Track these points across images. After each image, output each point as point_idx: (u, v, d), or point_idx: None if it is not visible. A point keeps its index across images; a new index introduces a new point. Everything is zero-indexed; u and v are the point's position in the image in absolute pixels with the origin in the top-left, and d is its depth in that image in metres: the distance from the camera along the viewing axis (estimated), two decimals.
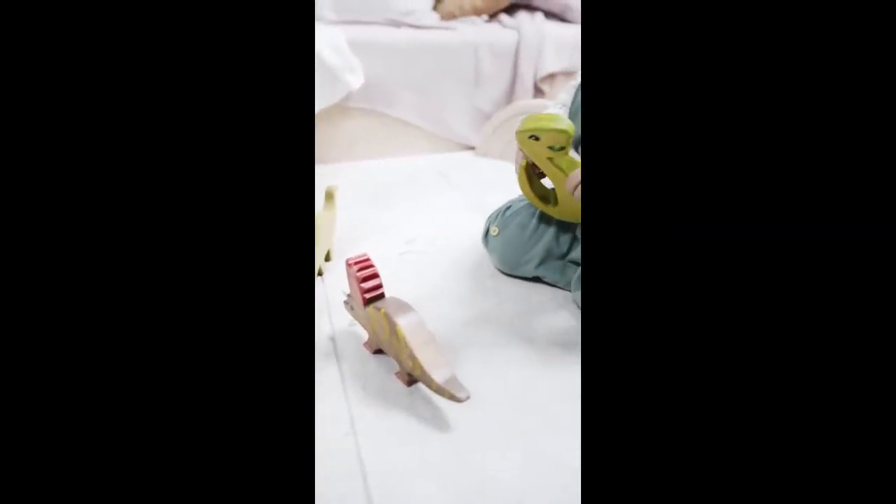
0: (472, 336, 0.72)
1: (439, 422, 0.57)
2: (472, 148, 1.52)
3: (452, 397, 0.55)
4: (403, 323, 0.59)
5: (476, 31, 1.45)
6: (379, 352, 0.67)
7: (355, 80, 1.28)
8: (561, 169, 0.70)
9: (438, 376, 0.56)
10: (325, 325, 0.73)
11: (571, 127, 0.68)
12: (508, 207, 0.85)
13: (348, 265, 0.63)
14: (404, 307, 0.61)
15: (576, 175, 0.68)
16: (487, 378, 0.64)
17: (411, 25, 1.42)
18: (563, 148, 0.69)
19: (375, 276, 0.63)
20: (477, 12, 1.56)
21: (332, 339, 0.70)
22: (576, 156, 0.71)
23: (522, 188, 0.78)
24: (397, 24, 1.41)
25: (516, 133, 0.71)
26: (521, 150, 0.74)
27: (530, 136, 0.69)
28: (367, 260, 0.64)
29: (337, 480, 0.51)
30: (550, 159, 0.70)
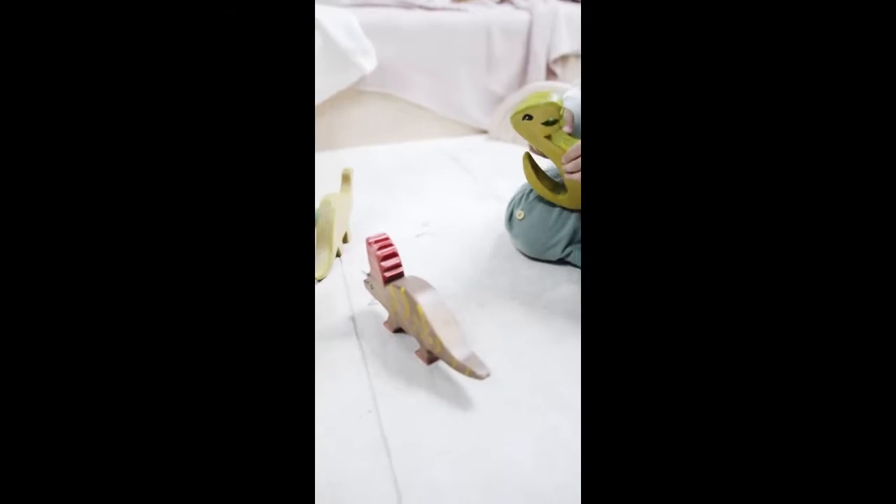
0: (488, 316, 0.72)
1: (460, 399, 0.58)
2: (484, 132, 1.52)
3: (473, 374, 0.56)
4: (424, 301, 0.59)
5: (488, 12, 1.44)
6: (399, 330, 0.68)
7: (368, 64, 1.27)
8: (560, 147, 0.70)
9: (459, 353, 0.57)
10: (344, 306, 0.74)
11: (560, 100, 0.68)
12: (531, 190, 0.85)
13: (368, 244, 0.64)
14: (424, 286, 0.61)
15: (574, 149, 0.68)
16: (504, 357, 0.64)
17: (423, 7, 1.41)
18: (556, 121, 0.69)
19: (395, 254, 0.64)
20: None
21: (353, 319, 0.71)
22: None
23: (529, 179, 0.78)
24: (409, 6, 1.40)
25: (510, 119, 0.71)
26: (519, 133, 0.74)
27: (524, 118, 0.69)
28: (387, 239, 0.64)
29: (361, 457, 0.51)
30: (548, 137, 0.70)
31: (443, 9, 1.42)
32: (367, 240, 0.64)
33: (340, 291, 0.77)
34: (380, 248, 0.63)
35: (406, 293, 0.60)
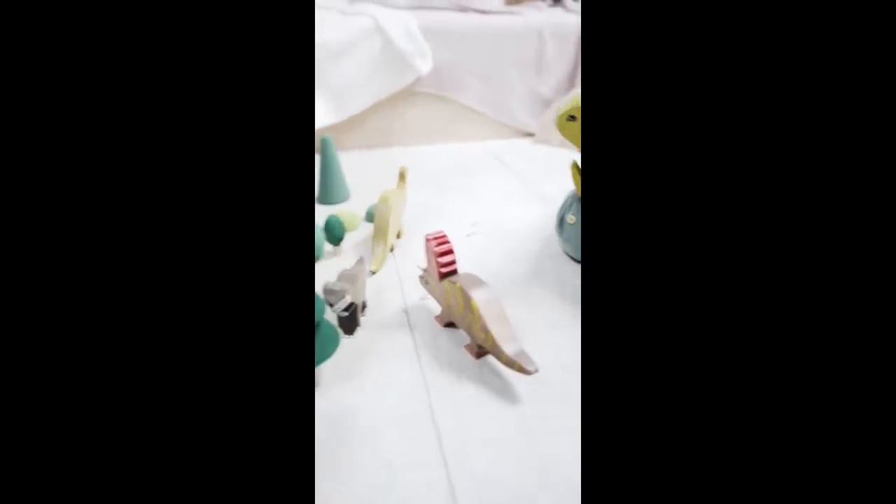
0: (536, 315, 0.74)
1: (508, 393, 0.60)
2: (531, 134, 1.53)
3: (522, 370, 0.58)
4: (478, 297, 0.62)
5: (540, 16, 1.45)
6: (449, 325, 0.71)
7: (425, 66, 1.31)
8: None
9: (509, 349, 0.60)
10: (397, 299, 0.77)
11: None
12: None
13: (427, 240, 0.67)
14: (478, 282, 0.64)
15: None
16: (552, 354, 0.66)
17: (478, 10, 1.43)
18: None
19: (451, 251, 0.67)
20: None
21: (405, 312, 0.75)
22: None
23: (577, 188, 0.80)
24: (464, 9, 1.43)
25: (556, 121, 0.73)
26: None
27: (568, 119, 0.71)
28: (444, 236, 0.67)
29: (415, 444, 0.55)
30: None
31: (497, 12, 1.44)
32: (426, 236, 0.67)
33: (394, 285, 0.81)
34: (437, 245, 0.66)
35: (461, 289, 0.63)
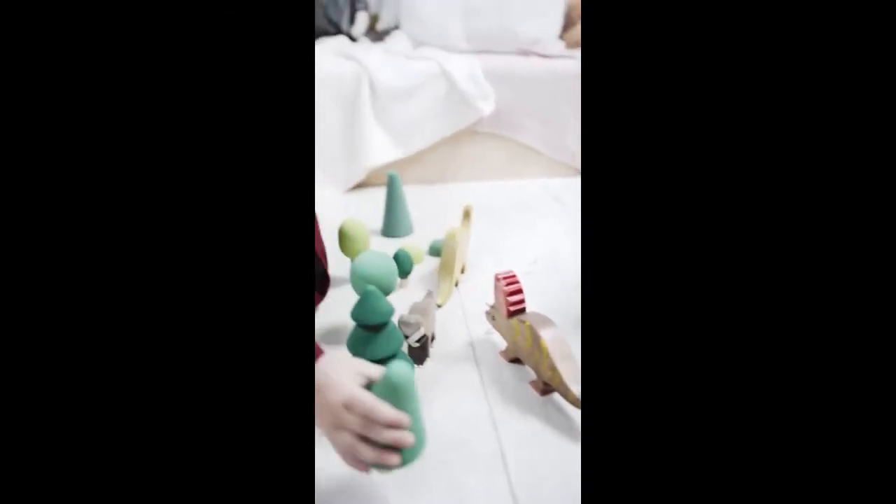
0: None
1: (574, 431, 0.62)
2: None
3: None
4: (547, 336, 0.64)
5: None
6: (515, 361, 0.73)
7: (487, 107, 1.37)
8: None
9: (576, 388, 0.61)
10: (462, 333, 0.80)
11: None
12: None
13: (497, 279, 0.70)
14: (547, 321, 0.67)
15: None
16: None
17: (539, 55, 1.49)
18: None
19: (520, 290, 0.69)
20: None
21: (471, 346, 0.77)
22: None
23: None
24: (526, 53, 1.49)
25: None
26: None
27: None
28: (514, 276, 0.70)
29: (482, 476, 0.57)
30: None
31: (558, 56, 1.49)
32: (496, 275, 0.70)
33: (459, 319, 0.84)
34: (507, 284, 0.69)
35: (530, 327, 0.66)
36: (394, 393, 0.48)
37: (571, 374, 0.62)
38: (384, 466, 0.49)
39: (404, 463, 0.49)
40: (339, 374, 0.49)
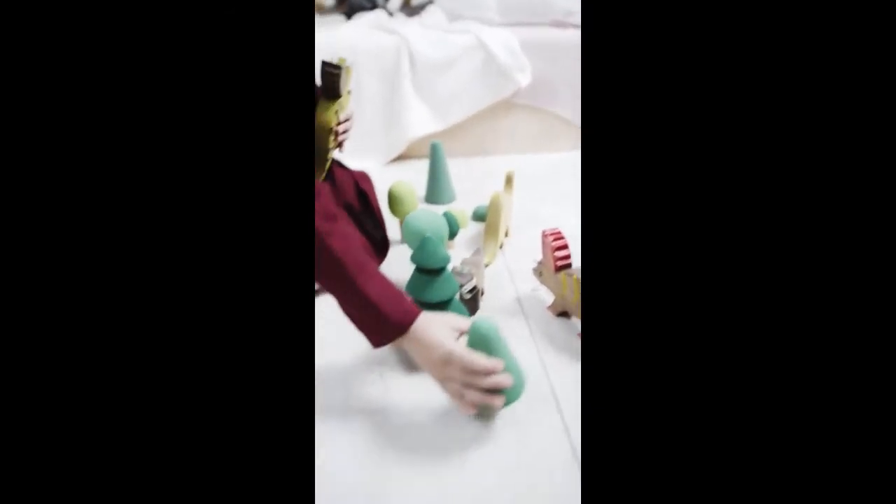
0: None
1: None
2: None
3: None
4: None
5: None
6: (562, 314, 0.77)
7: (524, 79, 1.38)
8: None
9: None
10: (510, 289, 0.84)
11: None
12: None
13: (544, 235, 0.73)
14: None
15: None
16: None
17: (573, 25, 1.49)
18: None
19: (566, 246, 0.73)
20: None
21: (518, 301, 0.81)
22: None
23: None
24: (560, 24, 1.49)
25: None
26: None
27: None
28: (560, 232, 0.73)
29: (539, 415, 0.61)
30: None
31: None
32: (544, 232, 0.74)
33: (505, 277, 0.87)
34: (554, 240, 0.72)
35: (577, 280, 0.69)
36: (484, 343, 0.53)
37: None
38: (490, 409, 0.54)
39: (507, 403, 0.55)
40: (434, 333, 0.55)
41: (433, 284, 0.66)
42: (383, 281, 0.57)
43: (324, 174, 0.80)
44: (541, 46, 1.43)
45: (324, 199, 0.72)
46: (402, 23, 1.54)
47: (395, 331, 0.55)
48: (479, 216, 1.07)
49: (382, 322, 0.55)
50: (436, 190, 1.16)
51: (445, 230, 0.85)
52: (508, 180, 1.00)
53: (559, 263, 0.73)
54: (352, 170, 0.93)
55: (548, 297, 0.81)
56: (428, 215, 0.84)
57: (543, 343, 0.72)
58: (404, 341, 0.56)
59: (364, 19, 1.58)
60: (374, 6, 1.72)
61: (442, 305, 0.67)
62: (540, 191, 1.24)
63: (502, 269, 0.90)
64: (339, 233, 0.57)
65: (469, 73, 1.40)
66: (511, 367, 0.56)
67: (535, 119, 1.48)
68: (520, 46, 1.40)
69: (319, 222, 0.56)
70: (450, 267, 0.77)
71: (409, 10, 1.78)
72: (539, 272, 0.78)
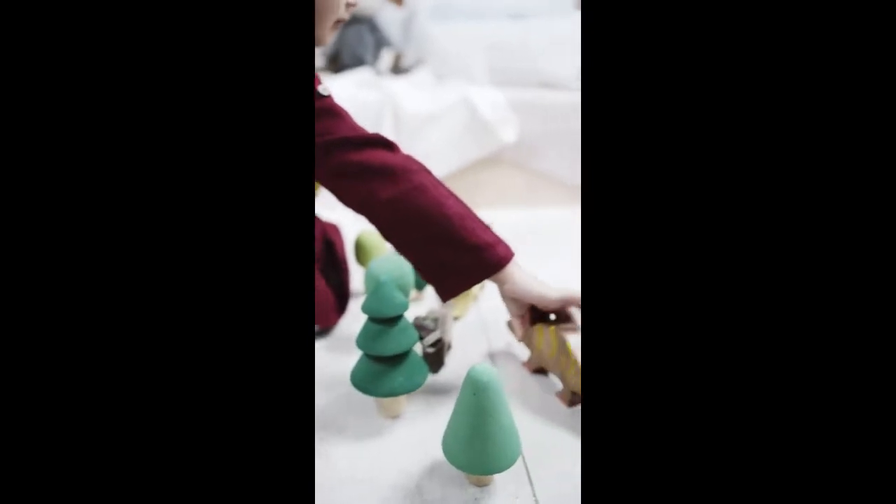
0: None
1: None
2: None
3: None
4: (574, 340, 0.60)
5: None
6: (538, 371, 0.68)
7: (510, 135, 1.36)
8: None
9: None
10: (482, 344, 0.76)
11: None
12: None
13: None
14: (572, 326, 0.62)
15: None
16: None
17: (566, 88, 1.50)
18: None
19: None
20: None
21: (490, 356, 0.73)
22: None
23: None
24: (551, 86, 1.50)
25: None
26: None
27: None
28: None
29: (506, 492, 0.51)
30: None
31: (580, 89, 1.50)
32: None
33: (478, 332, 0.79)
34: None
35: (555, 331, 0.61)
36: (484, 392, 0.45)
37: None
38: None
39: (500, 470, 0.47)
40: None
41: (387, 335, 0.57)
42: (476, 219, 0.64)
43: None
44: (528, 105, 1.42)
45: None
46: (390, 81, 1.55)
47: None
48: None
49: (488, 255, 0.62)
50: None
51: (410, 278, 0.77)
52: None
53: (532, 315, 0.65)
54: (323, 221, 0.88)
55: (522, 355, 0.73)
56: (392, 262, 0.78)
57: (516, 403, 0.63)
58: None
59: (351, 77, 1.59)
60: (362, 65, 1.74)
61: (396, 359, 0.58)
62: (524, 246, 1.18)
63: (476, 323, 0.82)
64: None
65: (454, 128, 1.38)
66: (510, 426, 0.48)
67: (523, 175, 1.46)
68: (507, 105, 1.39)
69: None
70: (411, 318, 0.69)
71: (398, 70, 1.80)
72: (513, 326, 0.71)
